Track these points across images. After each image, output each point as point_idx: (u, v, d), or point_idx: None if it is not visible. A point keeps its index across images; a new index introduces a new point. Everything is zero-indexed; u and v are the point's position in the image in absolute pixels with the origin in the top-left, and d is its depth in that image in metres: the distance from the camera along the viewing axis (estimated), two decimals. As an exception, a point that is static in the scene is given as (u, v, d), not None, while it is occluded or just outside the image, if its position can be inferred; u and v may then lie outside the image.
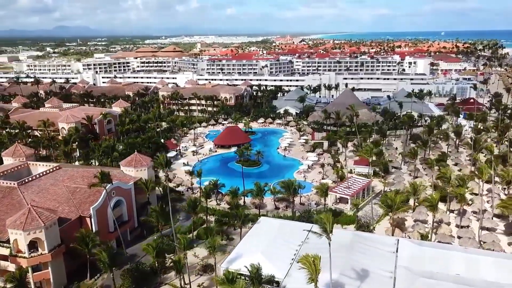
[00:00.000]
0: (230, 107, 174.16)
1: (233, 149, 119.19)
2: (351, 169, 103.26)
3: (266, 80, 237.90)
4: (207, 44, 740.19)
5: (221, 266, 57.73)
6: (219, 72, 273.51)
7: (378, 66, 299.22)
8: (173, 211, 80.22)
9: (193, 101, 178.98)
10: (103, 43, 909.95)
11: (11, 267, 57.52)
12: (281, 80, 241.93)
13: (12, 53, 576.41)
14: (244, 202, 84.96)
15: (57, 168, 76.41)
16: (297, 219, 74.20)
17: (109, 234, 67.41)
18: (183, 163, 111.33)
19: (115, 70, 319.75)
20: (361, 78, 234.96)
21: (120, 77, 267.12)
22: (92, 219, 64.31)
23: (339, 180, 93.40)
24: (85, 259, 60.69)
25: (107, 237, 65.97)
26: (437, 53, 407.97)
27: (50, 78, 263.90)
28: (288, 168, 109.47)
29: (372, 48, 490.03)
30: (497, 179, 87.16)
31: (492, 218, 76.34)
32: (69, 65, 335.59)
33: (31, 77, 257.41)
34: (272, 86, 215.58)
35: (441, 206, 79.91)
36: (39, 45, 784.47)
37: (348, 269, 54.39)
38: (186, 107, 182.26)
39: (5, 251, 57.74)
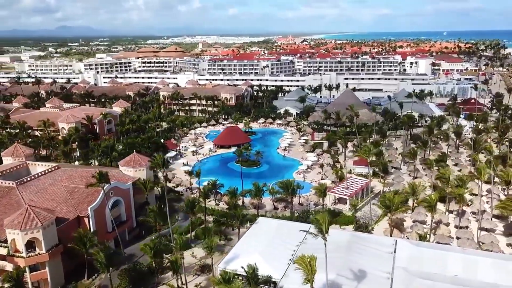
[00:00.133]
0: (231, 107, 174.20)
1: (233, 149, 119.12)
2: (350, 170, 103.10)
3: (267, 80, 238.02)
4: (209, 44, 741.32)
5: (218, 266, 57.71)
6: (220, 72, 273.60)
7: (380, 66, 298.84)
8: (172, 211, 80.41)
9: (193, 101, 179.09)
10: (105, 43, 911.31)
11: (9, 266, 57.53)
12: (282, 80, 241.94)
13: (14, 53, 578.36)
14: (243, 202, 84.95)
15: (56, 168, 76.51)
16: (296, 220, 74.14)
17: (107, 234, 67.44)
18: (183, 163, 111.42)
19: (116, 70, 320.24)
20: (362, 78, 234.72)
21: (121, 77, 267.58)
22: (90, 219, 64.32)
23: (338, 180, 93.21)
24: (83, 259, 60.69)
25: (105, 237, 66.03)
26: (439, 53, 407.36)
27: (51, 78, 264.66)
28: (288, 168, 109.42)
29: (374, 48, 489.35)
30: (497, 179, 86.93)
31: (491, 219, 76.08)
32: (70, 65, 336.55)
33: (33, 77, 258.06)
34: (273, 86, 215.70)
35: (440, 206, 79.74)
36: (41, 45, 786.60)
37: (345, 269, 54.32)
38: (187, 107, 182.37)
39: (3, 251, 57.79)
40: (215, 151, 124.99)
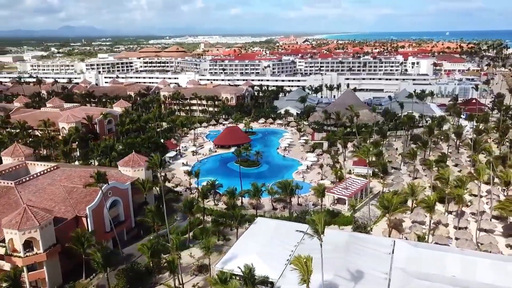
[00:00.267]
0: (231, 107, 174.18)
1: (233, 149, 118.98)
2: (350, 170, 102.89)
3: (268, 80, 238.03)
4: (211, 44, 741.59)
5: (215, 267, 57.68)
6: (221, 73, 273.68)
7: (381, 66, 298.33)
8: (171, 211, 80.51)
9: (194, 101, 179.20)
10: (108, 43, 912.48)
11: (7, 266, 57.63)
12: (282, 81, 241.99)
13: (17, 53, 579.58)
14: (242, 202, 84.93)
15: (55, 168, 76.65)
16: (294, 220, 74.04)
17: (105, 234, 67.48)
18: (182, 163, 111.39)
19: (118, 70, 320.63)
20: (363, 79, 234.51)
21: (123, 77, 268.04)
22: (88, 219, 64.39)
23: (337, 180, 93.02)
24: (81, 259, 60.74)
25: (103, 237, 66.08)
26: (441, 53, 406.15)
27: (53, 78, 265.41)
28: (288, 169, 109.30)
29: (376, 49, 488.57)
30: (497, 180, 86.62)
31: (490, 220, 75.81)
32: (72, 65, 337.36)
33: (34, 77, 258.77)
34: (273, 86, 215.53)
35: (440, 207, 79.56)
36: (44, 45, 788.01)
37: (343, 270, 54.23)
38: (187, 107, 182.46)
39: (1, 251, 57.85)
40: (215, 151, 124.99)
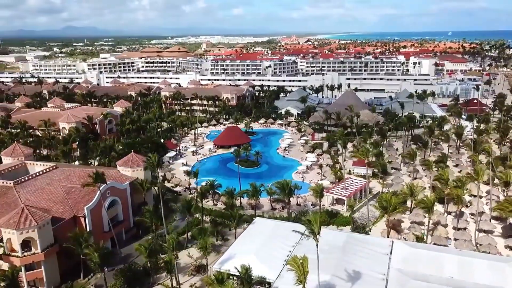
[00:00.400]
0: (232, 107, 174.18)
1: (233, 149, 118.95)
2: (350, 170, 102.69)
3: (269, 80, 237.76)
4: (213, 44, 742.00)
5: (213, 267, 57.73)
6: (223, 73, 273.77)
7: (382, 66, 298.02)
8: (170, 211, 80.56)
9: (194, 101, 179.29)
10: (110, 43, 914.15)
11: (4, 266, 57.80)
12: (283, 81, 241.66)
13: (19, 53, 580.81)
14: (241, 202, 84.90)
15: (54, 167, 76.78)
16: (292, 220, 73.95)
17: (103, 234, 67.53)
18: (182, 163, 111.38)
19: (119, 70, 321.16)
20: (364, 79, 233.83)
21: (124, 77, 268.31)
22: (86, 219, 64.48)
23: (337, 181, 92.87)
24: (79, 259, 60.80)
25: (102, 237, 66.10)
26: (443, 54, 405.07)
27: (54, 78, 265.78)
28: (287, 169, 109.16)
29: (377, 49, 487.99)
30: (497, 180, 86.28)
31: (490, 220, 75.56)
32: (74, 65, 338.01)
33: (36, 77, 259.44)
34: (274, 86, 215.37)
35: (439, 208, 79.31)
36: (47, 45, 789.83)
37: (340, 270, 54.18)
38: (188, 107, 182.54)
39: (-1, 250, 58.13)
40: (215, 151, 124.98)
